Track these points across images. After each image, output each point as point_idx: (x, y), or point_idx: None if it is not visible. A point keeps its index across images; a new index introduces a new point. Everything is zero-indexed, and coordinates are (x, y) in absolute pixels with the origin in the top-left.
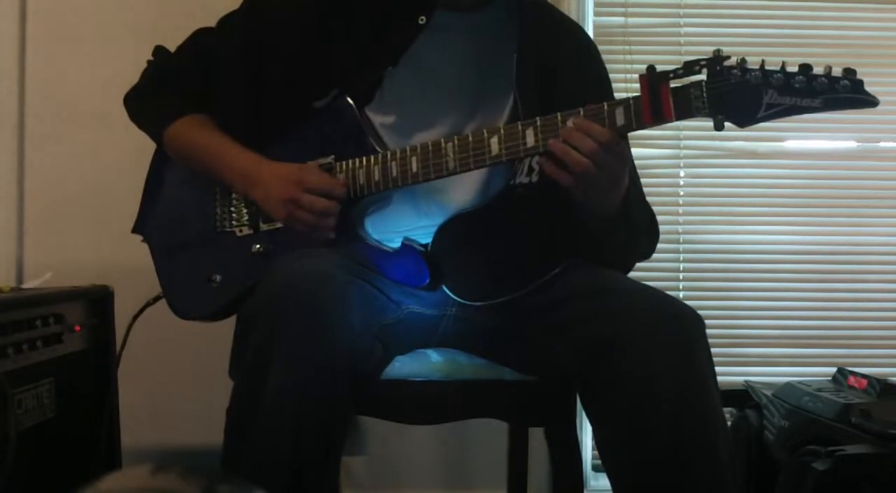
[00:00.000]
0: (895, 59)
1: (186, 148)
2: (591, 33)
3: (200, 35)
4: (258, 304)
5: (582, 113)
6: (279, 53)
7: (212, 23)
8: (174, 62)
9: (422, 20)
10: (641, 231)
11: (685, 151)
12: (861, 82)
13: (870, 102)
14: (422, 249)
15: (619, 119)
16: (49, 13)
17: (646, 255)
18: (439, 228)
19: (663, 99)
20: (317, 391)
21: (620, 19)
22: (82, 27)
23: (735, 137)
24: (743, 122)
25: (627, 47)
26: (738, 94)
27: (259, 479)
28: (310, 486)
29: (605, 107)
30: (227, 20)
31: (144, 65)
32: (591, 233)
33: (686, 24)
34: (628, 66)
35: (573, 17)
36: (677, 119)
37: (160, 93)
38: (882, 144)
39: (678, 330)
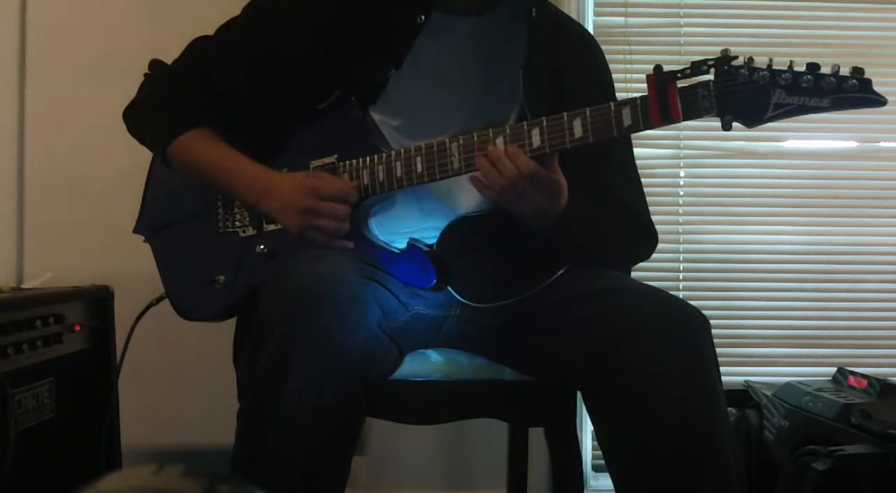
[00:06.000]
0: (895, 59)
1: (191, 163)
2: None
3: (198, 44)
4: (274, 308)
5: (588, 113)
6: (283, 57)
7: (209, 30)
8: (173, 75)
9: (420, 19)
10: (607, 245)
11: (685, 151)
12: (869, 81)
13: (878, 101)
14: (428, 249)
15: (626, 119)
16: (49, 13)
17: (633, 259)
18: (445, 229)
19: (671, 99)
20: (335, 396)
21: (620, 19)
22: (82, 27)
23: (735, 137)
24: (751, 122)
25: (627, 47)
26: (746, 94)
27: (274, 482)
28: (323, 488)
29: (612, 107)
30: (227, 28)
31: (145, 62)
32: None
33: (686, 24)
34: (628, 66)
35: (573, 16)
36: (685, 119)
37: (160, 108)
38: (882, 144)
39: (684, 331)
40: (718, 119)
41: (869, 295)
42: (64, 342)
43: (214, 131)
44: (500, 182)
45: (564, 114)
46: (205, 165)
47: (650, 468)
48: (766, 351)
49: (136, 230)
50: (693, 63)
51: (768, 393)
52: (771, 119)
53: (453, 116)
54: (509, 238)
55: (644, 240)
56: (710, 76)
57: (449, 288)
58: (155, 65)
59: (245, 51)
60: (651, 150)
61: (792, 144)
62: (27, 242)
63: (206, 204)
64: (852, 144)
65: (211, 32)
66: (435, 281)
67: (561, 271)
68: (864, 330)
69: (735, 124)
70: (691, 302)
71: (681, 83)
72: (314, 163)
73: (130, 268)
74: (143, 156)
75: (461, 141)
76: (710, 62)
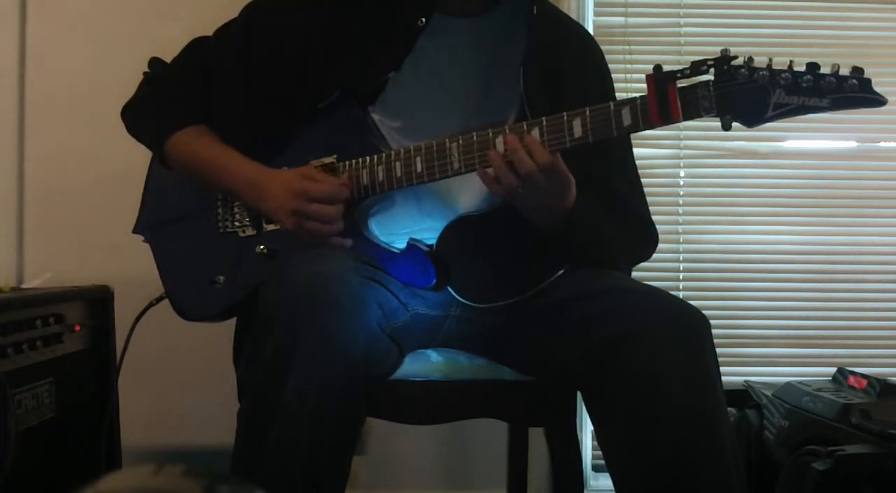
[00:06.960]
0: (895, 59)
1: (188, 161)
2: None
3: (197, 45)
4: (274, 308)
5: (588, 113)
6: (282, 58)
7: (209, 30)
8: (172, 74)
9: (421, 22)
10: (606, 248)
11: (685, 151)
12: (869, 81)
13: (878, 101)
14: (427, 249)
15: (626, 119)
16: (49, 13)
17: (634, 260)
18: (445, 229)
19: (671, 99)
20: (336, 395)
21: (620, 19)
22: (82, 27)
23: (735, 137)
24: (751, 122)
25: (627, 47)
26: (746, 93)
27: (274, 482)
28: (324, 488)
29: (612, 107)
30: (226, 29)
31: (145, 62)
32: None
33: (686, 24)
34: (628, 66)
35: (573, 16)
36: (685, 119)
37: (158, 106)
38: (882, 144)
39: (685, 330)
40: (718, 119)
41: (869, 295)
42: (64, 342)
43: (211, 129)
44: (513, 179)
45: (564, 114)
46: (201, 162)
47: (650, 468)
48: (766, 351)
49: (136, 230)
50: (693, 63)
51: (768, 393)
52: (771, 119)
53: (453, 117)
54: (509, 238)
55: (645, 240)
56: (710, 76)
57: (449, 288)
58: (154, 63)
59: (244, 51)
60: (651, 150)
61: (792, 144)
62: (27, 242)
63: (205, 204)
64: (852, 144)
65: (211, 32)
66: (435, 281)
67: (561, 271)
68: (864, 330)
69: (735, 124)
70: (691, 302)
71: (680, 83)
72: (314, 163)
73: (130, 268)
74: (143, 156)
75: (461, 141)
76: (710, 62)
